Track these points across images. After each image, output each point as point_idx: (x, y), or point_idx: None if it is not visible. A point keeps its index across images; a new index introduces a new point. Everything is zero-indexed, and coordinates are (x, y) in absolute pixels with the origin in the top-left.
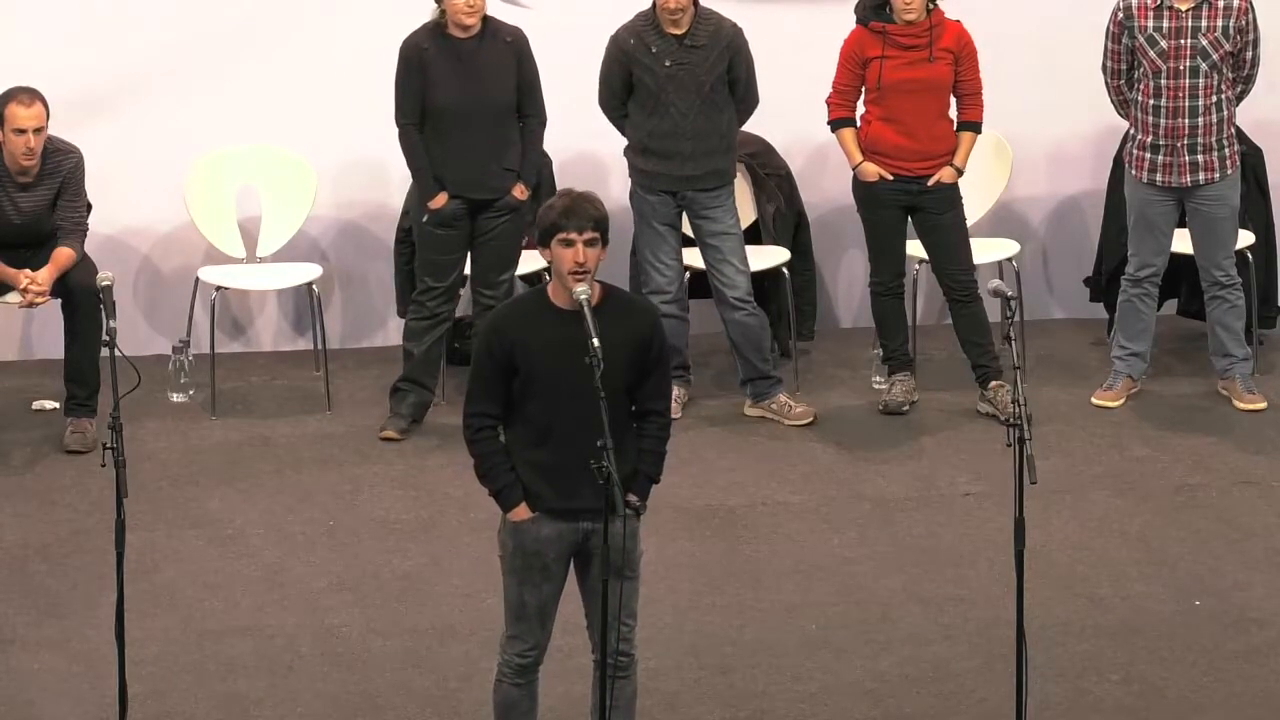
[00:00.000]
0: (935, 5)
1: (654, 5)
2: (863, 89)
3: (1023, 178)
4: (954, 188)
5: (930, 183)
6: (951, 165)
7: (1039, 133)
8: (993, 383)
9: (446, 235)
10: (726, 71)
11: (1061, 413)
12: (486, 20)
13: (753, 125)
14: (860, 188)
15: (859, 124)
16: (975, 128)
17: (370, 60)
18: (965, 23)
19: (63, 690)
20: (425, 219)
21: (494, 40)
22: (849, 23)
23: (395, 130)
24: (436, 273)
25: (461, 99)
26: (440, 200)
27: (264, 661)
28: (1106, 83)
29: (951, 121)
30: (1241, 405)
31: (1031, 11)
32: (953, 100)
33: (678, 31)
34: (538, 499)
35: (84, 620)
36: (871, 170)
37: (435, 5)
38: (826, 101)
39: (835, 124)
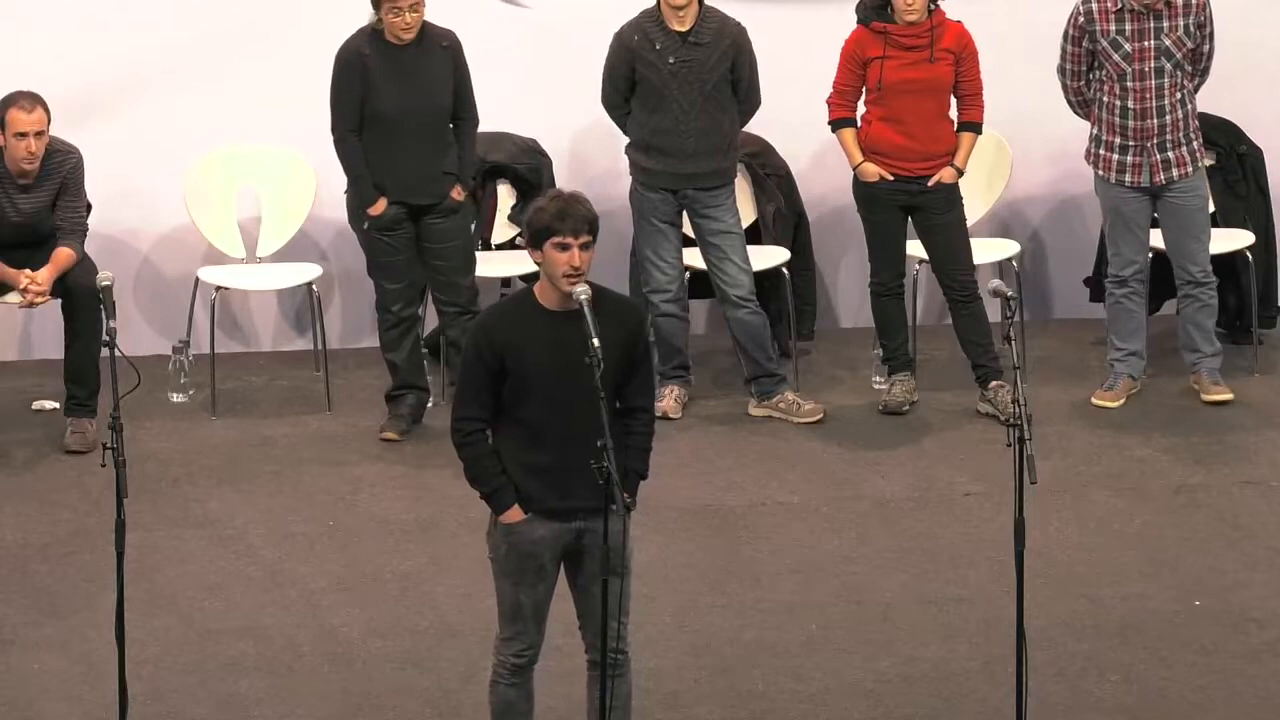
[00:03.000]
0: (936, 6)
1: (658, 2)
2: (863, 89)
3: (1023, 178)
4: (954, 188)
5: (930, 183)
6: (952, 165)
7: (1039, 133)
8: (993, 383)
9: (392, 239)
10: (730, 71)
11: (1061, 413)
12: (422, 25)
13: (753, 125)
14: (860, 188)
15: (859, 124)
16: (976, 128)
17: None
18: (966, 23)
19: (63, 690)
20: (366, 225)
21: (431, 45)
22: (849, 23)
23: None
24: (390, 275)
25: (402, 105)
26: (380, 206)
27: (264, 661)
28: (1064, 84)
29: (952, 122)
30: (1208, 397)
31: (1032, 12)
32: (953, 100)
33: (682, 28)
34: (530, 500)
35: (84, 620)
36: (872, 170)
37: (373, 12)
38: (827, 102)
39: (835, 124)
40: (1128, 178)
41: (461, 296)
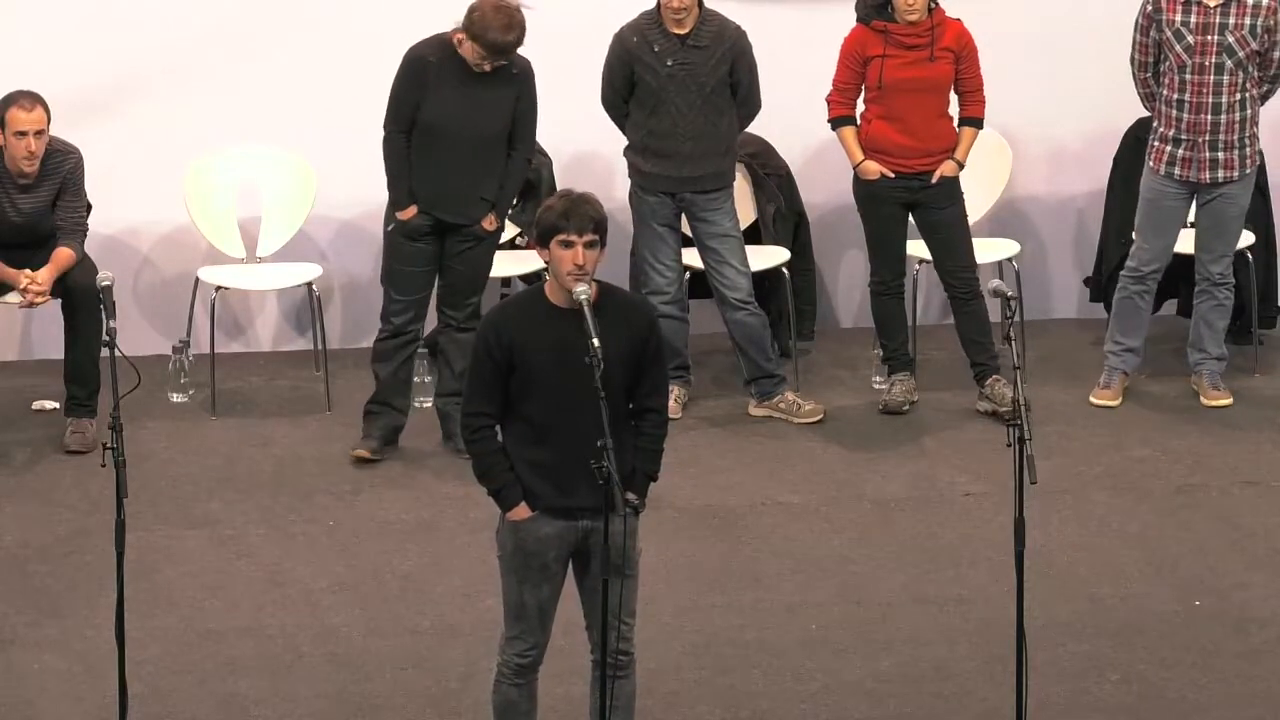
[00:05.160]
0: (936, 4)
1: (658, 4)
2: (862, 87)
3: (1023, 178)
4: (955, 183)
5: (934, 178)
6: (952, 159)
7: (1039, 132)
8: (990, 378)
9: (413, 248)
10: (729, 74)
11: (1061, 413)
12: None
13: (753, 125)
14: (861, 186)
15: (859, 123)
16: (977, 123)
17: (371, 60)
18: (966, 22)
19: (63, 690)
20: (392, 228)
21: (501, 68)
22: (849, 22)
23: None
24: (400, 285)
25: (455, 120)
26: (410, 213)
27: (264, 661)
28: (1134, 75)
29: (951, 119)
30: (1207, 401)
31: (1032, 11)
32: (953, 97)
33: (681, 31)
34: (537, 498)
35: (84, 620)
36: (873, 169)
37: (460, 29)
38: (826, 99)
39: (835, 122)
40: (1177, 170)
41: (462, 313)
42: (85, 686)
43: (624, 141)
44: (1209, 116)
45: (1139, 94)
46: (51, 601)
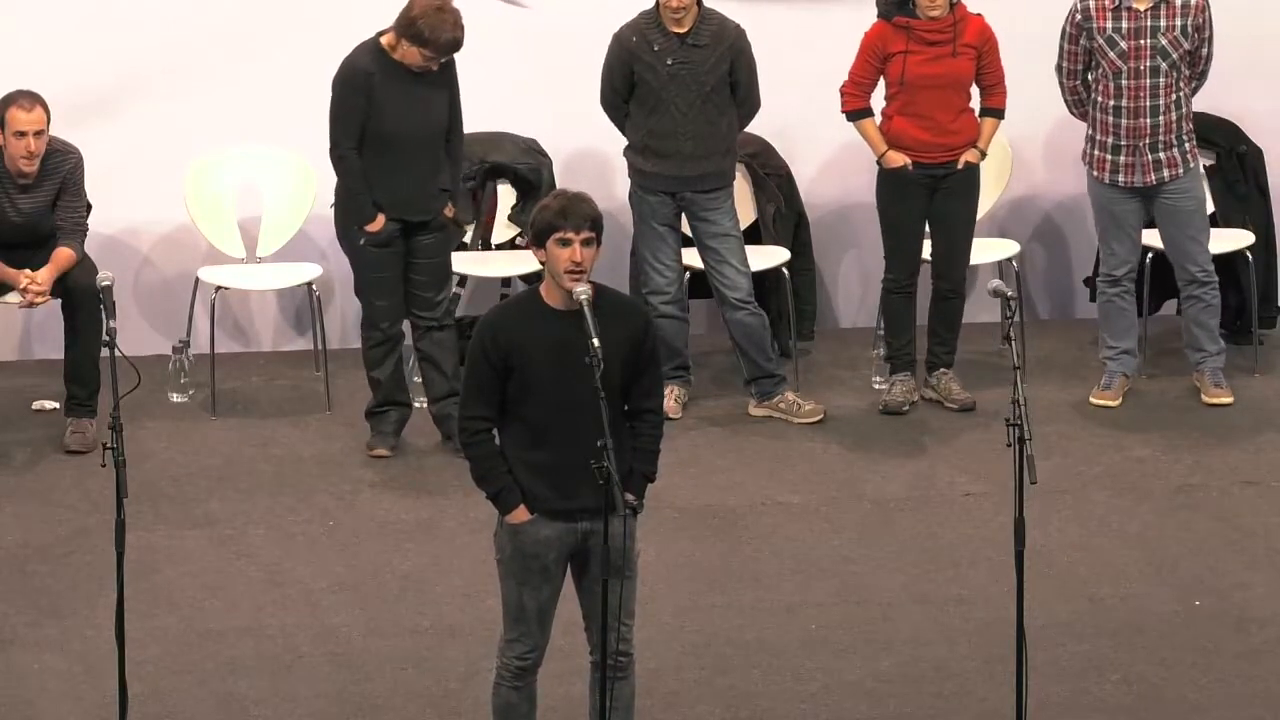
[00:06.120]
0: (958, 0)
1: (657, 4)
2: (879, 82)
3: (1023, 178)
4: (976, 176)
5: (959, 164)
6: (975, 147)
7: (1039, 133)
8: (940, 369)
9: (385, 254)
10: (728, 73)
11: (1061, 413)
12: None
13: (753, 125)
14: (885, 180)
15: (879, 119)
16: (998, 114)
17: None
18: None
19: (63, 690)
20: (362, 241)
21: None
22: (849, 22)
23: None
24: (380, 292)
25: (407, 124)
26: (378, 223)
27: (264, 661)
28: (1061, 83)
29: (973, 112)
30: (1209, 399)
31: (1032, 11)
32: (974, 90)
33: (680, 30)
34: (536, 500)
35: (84, 620)
36: (897, 158)
37: (393, 34)
38: (841, 91)
39: (853, 114)
40: (1120, 178)
41: (436, 311)
42: (85, 686)
43: (624, 141)
44: (1148, 120)
45: (1066, 101)
46: (51, 601)
